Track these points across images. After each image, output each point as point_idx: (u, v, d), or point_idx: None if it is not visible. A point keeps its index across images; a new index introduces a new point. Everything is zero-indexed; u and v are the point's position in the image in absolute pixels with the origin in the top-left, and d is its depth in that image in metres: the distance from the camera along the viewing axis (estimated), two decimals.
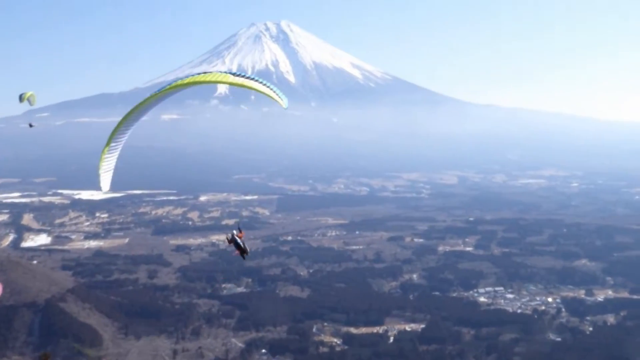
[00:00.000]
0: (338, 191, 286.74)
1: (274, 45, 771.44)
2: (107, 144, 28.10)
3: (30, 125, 63.18)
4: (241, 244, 29.86)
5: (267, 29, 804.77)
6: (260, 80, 26.73)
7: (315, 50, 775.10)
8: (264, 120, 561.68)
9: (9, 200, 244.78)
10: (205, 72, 26.61)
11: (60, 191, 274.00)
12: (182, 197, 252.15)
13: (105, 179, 28.86)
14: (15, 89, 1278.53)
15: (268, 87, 27.24)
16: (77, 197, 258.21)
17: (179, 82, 26.15)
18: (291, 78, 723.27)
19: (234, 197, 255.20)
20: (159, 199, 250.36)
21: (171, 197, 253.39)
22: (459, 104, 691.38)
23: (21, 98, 46.90)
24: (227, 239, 30.19)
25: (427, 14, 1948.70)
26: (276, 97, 27.58)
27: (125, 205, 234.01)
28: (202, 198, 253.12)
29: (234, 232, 30.27)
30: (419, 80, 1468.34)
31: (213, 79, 26.56)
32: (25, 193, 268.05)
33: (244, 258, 30.72)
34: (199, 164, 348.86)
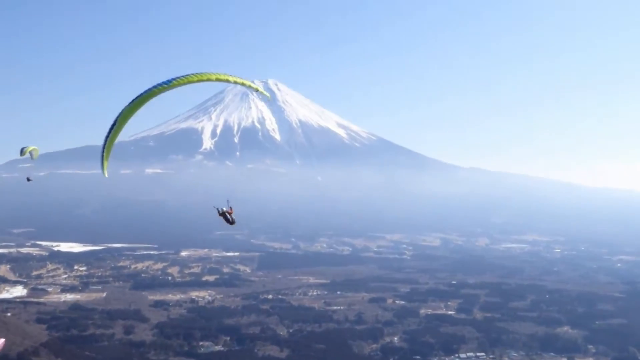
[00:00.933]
0: (320, 250, 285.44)
1: (260, 102, 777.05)
2: (114, 135, 30.32)
3: (28, 179, 62.48)
4: (230, 218, 36.39)
5: None
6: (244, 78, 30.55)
7: (302, 108, 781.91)
8: (248, 177, 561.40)
9: None
10: (193, 74, 29.00)
11: (39, 242, 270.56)
12: (163, 252, 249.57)
13: (106, 166, 31.90)
14: None
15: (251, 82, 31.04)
16: (56, 248, 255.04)
17: (174, 82, 28.60)
18: (277, 136, 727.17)
19: (215, 253, 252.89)
20: (139, 253, 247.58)
21: (152, 252, 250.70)
22: (444, 166, 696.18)
23: (22, 152, 46.27)
24: (219, 212, 36.53)
25: (415, 78, 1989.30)
26: (261, 89, 32.03)
27: (105, 258, 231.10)
28: (183, 253, 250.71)
29: (224, 208, 36.89)
30: (405, 141, 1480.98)
31: (198, 79, 29.01)
32: (3, 244, 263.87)
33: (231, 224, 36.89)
34: (181, 219, 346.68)
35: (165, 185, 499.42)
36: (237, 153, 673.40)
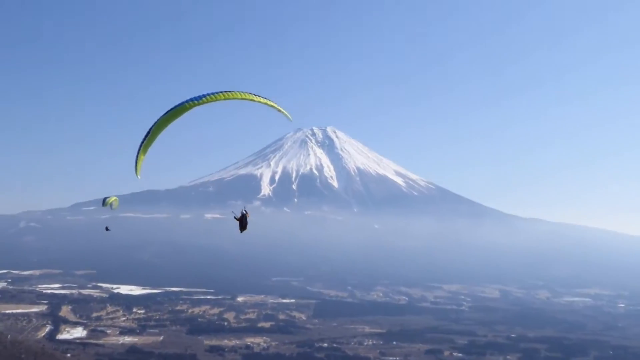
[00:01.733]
0: (377, 299, 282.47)
1: (319, 150, 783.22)
2: (150, 140, 32.30)
3: (107, 229, 64.20)
4: (245, 222, 38.55)
5: (314, 134, 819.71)
6: (268, 98, 32.80)
7: (360, 156, 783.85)
8: (305, 224, 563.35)
9: (49, 291, 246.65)
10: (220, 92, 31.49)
11: (100, 284, 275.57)
12: (220, 297, 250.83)
13: (139, 170, 33.60)
14: (61, 181, 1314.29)
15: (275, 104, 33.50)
16: (116, 291, 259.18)
17: (204, 99, 30.99)
18: (335, 183, 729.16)
19: (271, 300, 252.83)
20: (196, 297, 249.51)
21: (208, 296, 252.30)
22: (503, 216, 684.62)
23: (104, 202, 48.26)
24: (235, 217, 38.69)
25: (472, 127, 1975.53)
26: (284, 111, 34.07)
27: (163, 302, 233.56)
28: (240, 299, 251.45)
29: (243, 211, 38.92)
30: (463, 191, 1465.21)
31: (225, 97, 31.49)
32: (66, 285, 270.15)
33: (240, 232, 38.61)
34: (238, 264, 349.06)
35: (223, 231, 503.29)
36: (295, 199, 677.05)
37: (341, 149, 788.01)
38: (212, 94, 31.14)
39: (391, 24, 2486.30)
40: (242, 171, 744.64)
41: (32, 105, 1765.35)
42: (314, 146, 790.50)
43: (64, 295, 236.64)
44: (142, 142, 32.17)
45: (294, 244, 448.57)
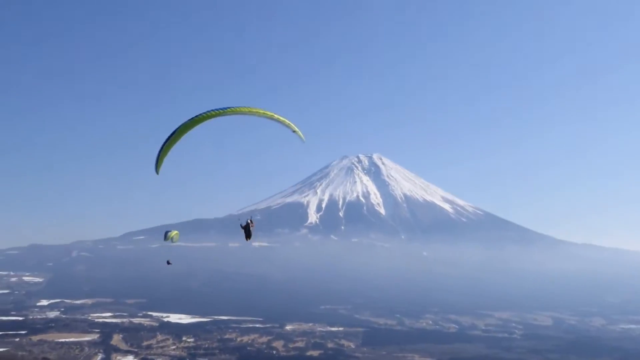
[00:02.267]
0: (426, 327, 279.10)
1: (365, 177, 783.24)
2: (169, 145, 34.79)
3: (168, 263, 65.94)
4: (250, 231, 41.91)
5: (360, 161, 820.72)
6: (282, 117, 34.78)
7: (406, 183, 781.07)
8: (352, 251, 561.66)
9: (100, 320, 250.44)
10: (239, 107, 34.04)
11: (150, 313, 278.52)
12: (268, 325, 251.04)
13: (159, 168, 36.07)
14: (112, 212, 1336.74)
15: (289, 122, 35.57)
16: (165, 319, 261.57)
17: (228, 110, 33.56)
18: (382, 210, 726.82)
19: (319, 328, 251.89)
20: (245, 325, 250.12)
21: (257, 325, 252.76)
22: (555, 242, 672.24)
23: (166, 236, 50.16)
24: (242, 225, 41.86)
25: (521, 152, 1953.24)
26: (298, 132, 35.98)
27: (212, 330, 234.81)
28: (288, 327, 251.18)
29: (248, 220, 42.32)
30: (512, 216, 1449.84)
31: (248, 110, 33.84)
32: (117, 313, 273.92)
33: (246, 240, 42.09)
34: (286, 292, 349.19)
35: (271, 259, 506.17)
36: (342, 227, 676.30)
37: (388, 176, 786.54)
38: (237, 107, 33.60)
39: (441, 54, 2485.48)
40: (289, 199, 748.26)
41: (83, 137, 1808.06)
42: (360, 173, 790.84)
43: (115, 324, 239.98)
44: (165, 143, 34.47)
45: (341, 271, 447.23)
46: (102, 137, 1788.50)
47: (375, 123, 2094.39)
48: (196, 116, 33.45)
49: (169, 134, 34.49)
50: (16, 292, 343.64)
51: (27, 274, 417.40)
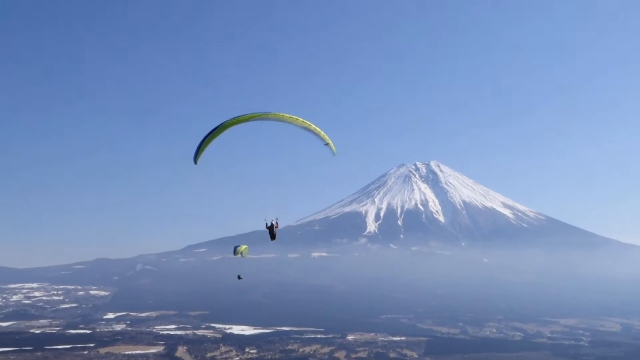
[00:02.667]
0: (490, 335, 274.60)
1: (423, 184, 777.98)
2: (209, 139, 35.61)
3: (239, 278, 67.21)
4: (274, 232, 42.80)
5: (417, 169, 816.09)
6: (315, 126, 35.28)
7: (465, 189, 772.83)
8: (412, 260, 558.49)
9: (165, 332, 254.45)
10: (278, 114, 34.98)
11: (213, 325, 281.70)
12: (330, 336, 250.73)
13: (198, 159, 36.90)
14: (175, 226, 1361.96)
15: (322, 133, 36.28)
16: (228, 331, 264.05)
17: (271, 114, 34.57)
18: (440, 217, 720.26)
19: (381, 338, 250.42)
20: (306, 336, 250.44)
21: (319, 335, 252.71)
22: (622, 246, 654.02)
23: (235, 251, 51.78)
24: (267, 225, 42.61)
25: (582, 156, 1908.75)
26: (331, 144, 36.61)
27: (274, 341, 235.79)
28: (350, 337, 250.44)
29: (273, 221, 42.70)
30: (575, 220, 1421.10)
31: (289, 117, 34.64)
32: (181, 326, 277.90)
33: (271, 240, 43.30)
34: (346, 302, 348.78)
35: (330, 269, 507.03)
36: (401, 236, 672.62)
37: (446, 183, 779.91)
38: (280, 113, 34.68)
39: (497, 61, 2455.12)
40: (347, 209, 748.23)
41: (147, 154, 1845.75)
42: (418, 181, 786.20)
43: (180, 336, 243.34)
44: (206, 136, 35.49)
45: (401, 280, 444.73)
46: (164, 152, 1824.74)
47: (433, 130, 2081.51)
48: (239, 116, 34.56)
49: (211, 129, 35.76)
50: (83, 306, 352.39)
51: (94, 287, 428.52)
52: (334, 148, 36.86)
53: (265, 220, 43.09)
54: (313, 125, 35.01)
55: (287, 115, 34.51)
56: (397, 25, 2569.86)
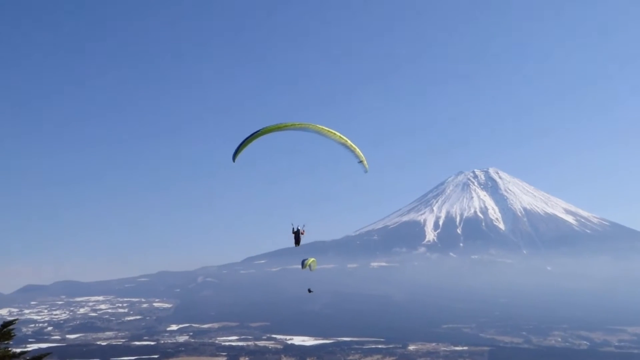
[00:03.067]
0: (555, 344, 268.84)
1: (482, 192, 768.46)
2: (249, 140, 36.43)
3: (310, 291, 68.61)
4: (300, 237, 41.88)
5: (475, 176, 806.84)
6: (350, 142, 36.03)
7: (525, 196, 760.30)
8: (472, 268, 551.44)
9: (227, 344, 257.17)
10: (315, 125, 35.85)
11: (274, 336, 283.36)
12: (391, 346, 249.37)
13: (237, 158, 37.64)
14: (235, 238, 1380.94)
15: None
16: (289, 342, 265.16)
17: (310, 125, 35.41)
18: (501, 225, 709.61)
19: (443, 348, 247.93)
20: (367, 346, 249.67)
21: (379, 345, 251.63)
22: None
23: (303, 264, 53.19)
24: (293, 230, 41.78)
25: None
26: (364, 162, 36.82)
27: (335, 352, 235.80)
28: (411, 347, 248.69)
29: (299, 227, 41.86)
30: None
31: (327, 130, 35.30)
32: (242, 337, 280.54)
33: (295, 245, 42.19)
34: (406, 312, 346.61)
35: (390, 278, 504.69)
36: (461, 244, 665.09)
37: (505, 190, 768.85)
38: (318, 125, 35.56)
39: (553, 69, 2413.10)
40: (406, 218, 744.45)
41: (204, 168, 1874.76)
42: (476, 189, 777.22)
43: (242, 347, 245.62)
44: (247, 138, 36.46)
45: (462, 289, 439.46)
46: (222, 164, 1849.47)
47: (491, 138, 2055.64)
48: (279, 123, 35.48)
49: (253, 131, 36.92)
50: (147, 318, 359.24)
51: (157, 300, 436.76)
52: (366, 165, 37.77)
53: (292, 224, 42.62)
54: (349, 142, 35.77)
55: (326, 128, 35.37)
56: (462, 34, 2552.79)
